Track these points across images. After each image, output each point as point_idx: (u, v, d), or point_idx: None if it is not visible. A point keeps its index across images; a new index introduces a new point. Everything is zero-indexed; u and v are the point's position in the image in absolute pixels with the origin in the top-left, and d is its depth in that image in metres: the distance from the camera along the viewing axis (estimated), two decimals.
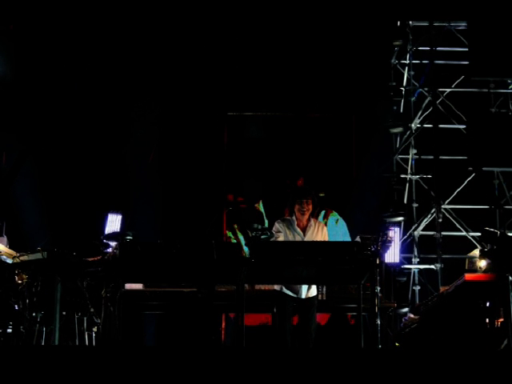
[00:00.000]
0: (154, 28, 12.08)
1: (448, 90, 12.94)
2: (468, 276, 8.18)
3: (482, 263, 8.69)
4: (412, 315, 9.45)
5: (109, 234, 8.55)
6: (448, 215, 12.51)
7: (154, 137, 12.38)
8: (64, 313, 8.74)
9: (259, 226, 7.91)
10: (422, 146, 12.97)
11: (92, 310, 8.95)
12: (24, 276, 8.53)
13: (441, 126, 12.78)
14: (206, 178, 12.50)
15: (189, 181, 12.44)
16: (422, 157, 12.94)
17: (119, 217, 10.07)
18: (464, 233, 12.45)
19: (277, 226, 8.62)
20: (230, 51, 12.42)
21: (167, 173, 12.40)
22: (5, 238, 8.60)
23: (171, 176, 12.45)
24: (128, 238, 7.98)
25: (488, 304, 8.53)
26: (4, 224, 8.81)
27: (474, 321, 8.35)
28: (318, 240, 8.51)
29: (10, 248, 8.84)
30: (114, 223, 10.01)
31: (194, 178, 12.47)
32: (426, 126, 12.88)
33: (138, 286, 9.53)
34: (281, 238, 8.49)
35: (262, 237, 7.90)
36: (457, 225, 12.49)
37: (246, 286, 8.06)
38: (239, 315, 7.87)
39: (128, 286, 9.72)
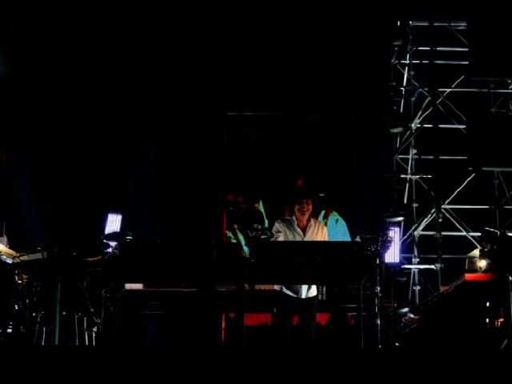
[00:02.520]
0: (153, 28, 12.08)
1: (448, 90, 12.94)
2: (468, 276, 8.19)
3: (482, 263, 8.70)
4: (412, 315, 9.46)
5: (109, 234, 8.54)
6: (448, 215, 12.51)
7: (154, 137, 12.37)
8: (64, 313, 8.75)
9: (259, 226, 7.92)
10: (421, 146, 12.97)
11: (92, 310, 8.95)
12: (24, 276, 8.54)
13: (441, 126, 12.78)
14: (206, 178, 12.50)
15: (189, 181, 12.44)
16: (422, 157, 12.94)
17: (119, 217, 10.07)
18: (464, 233, 12.45)
19: (277, 225, 8.62)
20: (230, 51, 12.41)
21: (167, 173, 12.39)
22: (5, 238, 8.61)
23: (171, 176, 12.44)
24: (128, 238, 7.98)
25: (488, 304, 8.54)
26: (4, 224, 8.81)
27: (474, 321, 8.36)
28: (318, 240, 8.51)
29: (10, 248, 8.84)
30: (114, 223, 10.01)
31: (193, 178, 12.46)
32: (426, 126, 12.88)
33: (138, 286, 9.55)
34: (281, 238, 8.49)
35: (262, 237, 7.90)
36: (457, 225, 12.49)
37: (246, 286, 8.06)
38: (239, 315, 7.87)
39: (128, 286, 9.72)
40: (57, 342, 8.29)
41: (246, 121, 12.97)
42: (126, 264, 7.91)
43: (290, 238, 8.50)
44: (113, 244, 8.12)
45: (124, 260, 7.86)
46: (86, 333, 8.91)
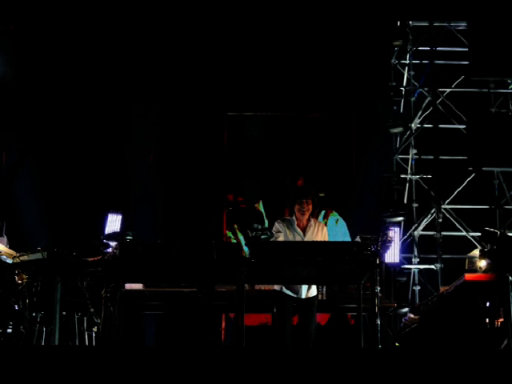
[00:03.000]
0: (153, 28, 12.07)
1: (448, 90, 12.94)
2: (468, 276, 8.19)
3: (482, 263, 8.70)
4: (412, 315, 9.45)
5: (109, 234, 8.54)
6: (448, 215, 12.51)
7: (154, 137, 12.37)
8: (64, 313, 8.76)
9: (259, 226, 7.92)
10: (422, 146, 12.97)
11: (92, 310, 8.96)
12: (24, 276, 8.54)
13: (441, 126, 12.78)
14: (206, 178, 12.50)
15: (189, 181, 12.44)
16: (422, 157, 12.94)
17: (119, 217, 10.08)
18: (464, 233, 12.45)
19: (277, 225, 8.62)
20: (229, 51, 12.41)
21: (167, 173, 12.39)
22: (5, 238, 8.60)
23: (171, 176, 12.44)
24: (128, 238, 7.99)
25: (488, 304, 8.54)
26: (4, 224, 8.80)
27: (474, 321, 8.35)
28: (318, 240, 8.51)
29: (9, 248, 8.83)
30: (114, 223, 10.01)
31: (193, 178, 12.46)
32: (426, 126, 12.88)
33: (138, 286, 9.56)
34: (281, 238, 8.48)
35: (262, 237, 7.90)
36: (457, 225, 12.49)
37: (246, 286, 8.05)
38: (239, 315, 7.88)
39: (128, 286, 9.72)
40: (57, 342, 8.30)
41: (246, 121, 12.97)
42: (126, 264, 7.92)
43: (290, 238, 8.50)
44: (113, 244, 8.13)
45: (124, 260, 7.87)
46: (86, 333, 8.92)
